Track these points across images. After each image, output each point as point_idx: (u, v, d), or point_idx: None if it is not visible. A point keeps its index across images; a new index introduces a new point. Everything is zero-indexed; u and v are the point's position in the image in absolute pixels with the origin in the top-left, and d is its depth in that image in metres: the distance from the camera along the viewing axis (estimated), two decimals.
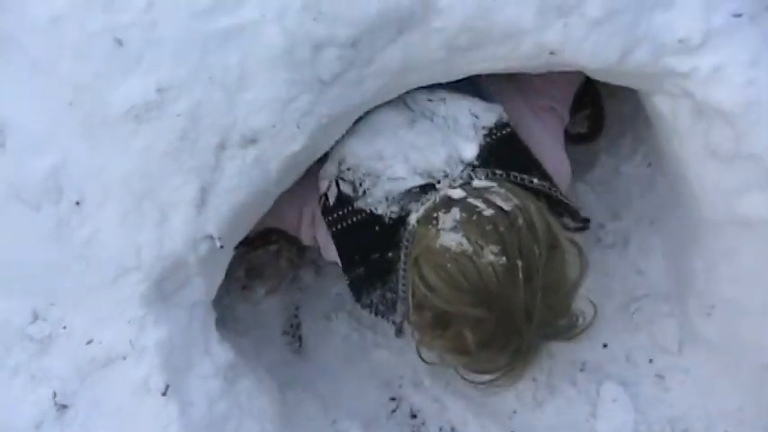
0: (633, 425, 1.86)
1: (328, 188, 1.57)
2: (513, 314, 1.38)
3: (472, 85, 1.66)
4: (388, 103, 1.55)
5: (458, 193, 1.43)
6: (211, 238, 1.53)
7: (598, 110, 2.17)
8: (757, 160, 1.52)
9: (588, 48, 1.53)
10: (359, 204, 1.53)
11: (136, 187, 1.49)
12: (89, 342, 1.54)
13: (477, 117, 1.56)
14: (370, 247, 1.52)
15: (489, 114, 1.57)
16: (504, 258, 1.35)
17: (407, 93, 1.57)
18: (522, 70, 1.60)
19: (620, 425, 1.87)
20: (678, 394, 1.86)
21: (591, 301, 1.56)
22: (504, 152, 1.53)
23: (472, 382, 1.55)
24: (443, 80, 1.61)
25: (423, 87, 1.59)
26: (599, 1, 1.51)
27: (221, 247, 1.53)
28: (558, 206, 1.54)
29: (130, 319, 1.52)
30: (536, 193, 1.49)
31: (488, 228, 1.36)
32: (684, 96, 1.58)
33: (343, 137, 1.57)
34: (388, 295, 1.52)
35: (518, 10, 1.50)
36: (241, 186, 1.53)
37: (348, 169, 1.55)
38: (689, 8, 1.53)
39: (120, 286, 1.54)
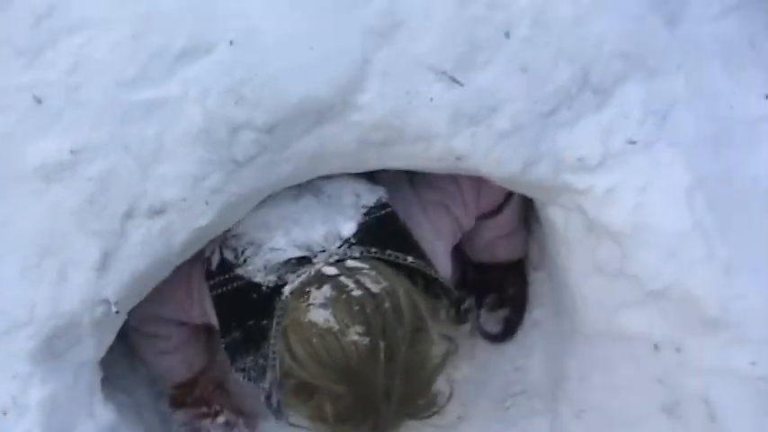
0: None
1: (212, 253, 1.64)
2: (373, 392, 1.42)
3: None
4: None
5: (331, 271, 1.49)
6: (108, 302, 1.55)
7: (518, 314, 2.20)
8: (639, 280, 1.63)
9: (493, 157, 1.64)
10: (239, 271, 1.59)
11: (39, 243, 1.52)
12: None
13: (358, 197, 1.64)
14: (247, 314, 1.57)
15: (370, 195, 1.64)
16: (367, 339, 1.40)
17: None
18: (431, 170, 1.69)
19: None
20: None
21: (448, 383, 1.60)
22: (381, 231, 1.59)
23: None
24: (354, 171, 1.69)
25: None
26: (508, 115, 1.62)
27: (117, 312, 1.56)
28: (435, 286, 1.60)
29: (15, 375, 1.53)
30: (411, 271, 1.55)
31: (356, 308, 1.41)
32: (578, 211, 1.70)
33: None
34: (260, 362, 1.56)
35: (431, 115, 1.59)
36: (144, 255, 1.56)
37: (233, 236, 1.62)
38: (589, 130, 1.65)
39: (10, 340, 1.54)
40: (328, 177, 1.66)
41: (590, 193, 1.68)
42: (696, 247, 1.62)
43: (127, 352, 2.00)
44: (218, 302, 1.63)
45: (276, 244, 1.57)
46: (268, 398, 1.59)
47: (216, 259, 1.64)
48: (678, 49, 1.77)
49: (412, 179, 1.85)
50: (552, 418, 1.98)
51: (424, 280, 1.58)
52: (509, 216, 1.96)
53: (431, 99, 1.59)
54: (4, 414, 1.52)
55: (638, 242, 1.65)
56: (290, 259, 1.54)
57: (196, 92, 1.51)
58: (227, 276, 1.60)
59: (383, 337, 1.43)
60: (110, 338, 1.67)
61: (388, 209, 1.63)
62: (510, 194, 1.88)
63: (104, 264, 1.55)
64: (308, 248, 1.55)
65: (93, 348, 1.64)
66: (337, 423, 1.48)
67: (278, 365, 1.51)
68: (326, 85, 1.55)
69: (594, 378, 1.80)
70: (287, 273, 1.54)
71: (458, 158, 1.63)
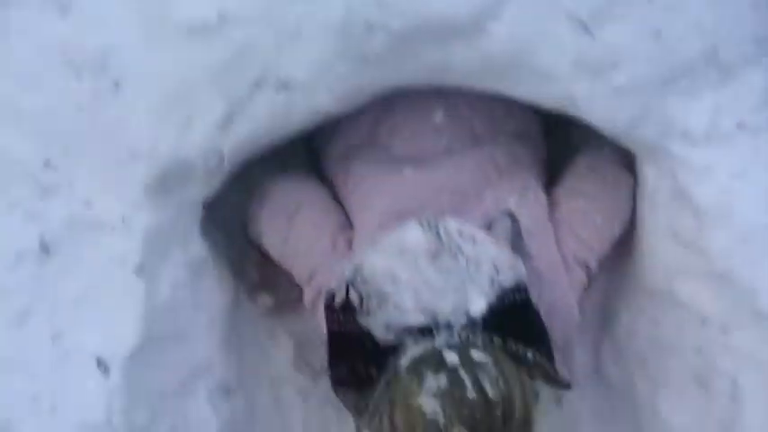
0: None
1: (339, 288, 1.62)
2: None
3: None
4: (422, 224, 1.62)
5: (452, 358, 1.47)
6: (222, 155, 1.79)
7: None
8: (707, 257, 1.80)
9: (605, 109, 1.78)
10: (360, 319, 1.58)
11: (172, 90, 1.71)
12: (87, 204, 1.80)
13: (497, 271, 1.59)
14: (359, 358, 1.60)
15: (510, 273, 1.60)
16: None
17: (442, 220, 1.65)
18: (543, 106, 1.87)
19: None
20: None
21: None
22: (510, 318, 1.57)
23: None
24: (475, 89, 1.86)
25: (456, 219, 1.69)
26: (628, 73, 1.73)
27: (228, 166, 1.81)
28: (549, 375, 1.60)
29: (129, 199, 1.78)
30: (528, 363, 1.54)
31: (465, 412, 1.41)
32: (671, 177, 1.83)
33: (368, 248, 1.67)
34: (360, 403, 1.60)
35: (556, 57, 1.72)
36: (263, 122, 1.76)
37: (362, 279, 1.58)
38: (704, 105, 1.77)
39: (131, 168, 1.77)
40: (471, 237, 1.64)
41: (687, 164, 1.80)
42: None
43: (235, 202, 2.24)
44: (332, 337, 1.65)
45: (402, 303, 1.55)
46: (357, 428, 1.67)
47: (341, 296, 1.62)
48: None
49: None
50: (592, 357, 2.22)
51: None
52: None
53: (559, 40, 1.70)
54: (113, 229, 1.79)
55: (717, 222, 1.77)
56: (413, 326, 1.54)
57: None
58: (348, 318, 1.60)
59: None
60: (215, 186, 1.90)
61: (524, 295, 1.60)
62: None
63: (227, 122, 1.74)
64: (433, 317, 1.53)
65: (199, 191, 1.88)
66: None
67: (375, 420, 1.55)
68: (465, 7, 1.66)
69: (641, 332, 2.01)
70: (407, 337, 1.54)
71: (573, 102, 1.77)
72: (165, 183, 1.79)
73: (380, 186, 1.91)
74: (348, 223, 1.92)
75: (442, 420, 1.41)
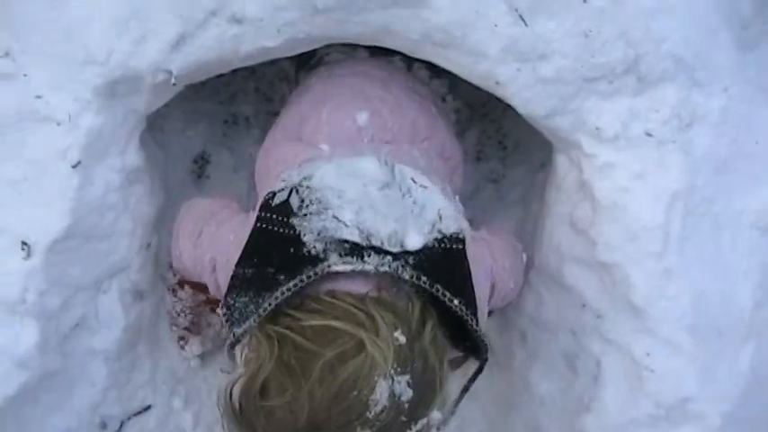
0: None
1: (281, 190, 1.67)
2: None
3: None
4: (379, 159, 1.71)
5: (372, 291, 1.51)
6: (170, 73, 1.98)
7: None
8: (595, 247, 2.02)
9: (526, 95, 1.97)
10: (293, 221, 1.60)
11: (134, 5, 1.89)
12: (38, 96, 1.96)
13: (440, 218, 1.65)
14: (272, 261, 1.57)
15: (452, 223, 1.66)
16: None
17: (399, 161, 1.74)
18: (471, 82, 2.08)
19: None
20: None
21: None
22: (442, 264, 1.60)
23: None
24: (410, 54, 2.05)
25: (412, 166, 1.78)
26: (554, 66, 1.93)
27: (174, 84, 2.00)
28: (466, 336, 1.62)
29: (77, 99, 1.95)
30: (450, 314, 1.56)
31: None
32: (577, 168, 2.05)
33: (325, 160, 1.77)
34: (250, 308, 1.54)
35: (489, 38, 1.90)
36: (212, 49, 1.94)
37: (308, 187, 1.63)
38: (618, 109, 1.98)
39: (83, 71, 1.94)
40: (423, 186, 1.71)
41: (593, 159, 2.01)
42: (653, 244, 1.95)
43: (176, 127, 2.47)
44: (256, 234, 1.64)
45: (342, 215, 1.58)
46: (232, 345, 1.60)
47: (281, 197, 1.66)
48: (735, 73, 2.05)
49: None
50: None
51: (457, 322, 1.58)
52: None
53: (495, 25, 1.88)
54: (58, 125, 1.97)
55: (610, 216, 1.98)
56: (346, 240, 1.54)
57: None
58: (280, 219, 1.62)
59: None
60: (160, 102, 2.09)
61: (461, 246, 1.65)
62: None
63: (178, 43, 1.92)
64: (368, 237, 1.55)
65: (145, 103, 2.06)
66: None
67: (256, 338, 1.53)
68: None
69: (527, 308, 2.24)
70: (334, 251, 1.53)
71: (497, 83, 1.96)
72: (114, 89, 1.97)
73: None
74: None
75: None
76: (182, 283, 2.35)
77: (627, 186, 1.98)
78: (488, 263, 1.91)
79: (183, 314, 2.38)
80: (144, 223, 2.19)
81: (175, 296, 2.37)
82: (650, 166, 1.98)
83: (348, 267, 1.50)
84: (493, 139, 2.83)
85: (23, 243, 1.94)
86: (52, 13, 1.93)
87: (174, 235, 2.10)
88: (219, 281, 1.80)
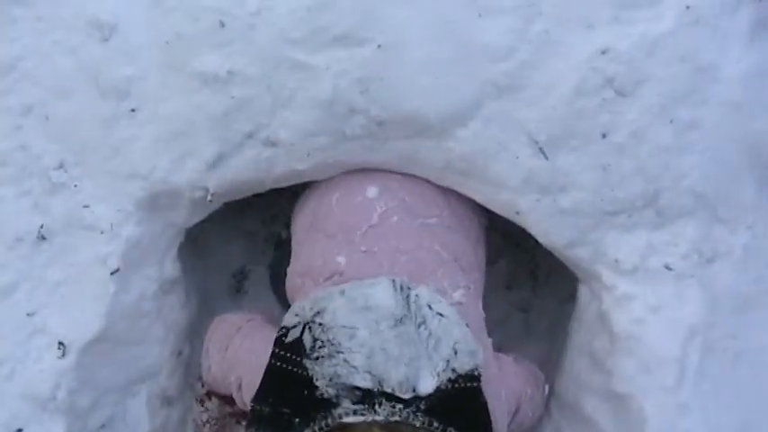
0: None
1: (293, 326, 1.67)
2: None
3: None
4: (394, 285, 1.67)
5: None
6: (207, 190, 2.12)
7: None
8: (610, 378, 2.04)
9: (546, 226, 2.04)
10: (306, 363, 1.58)
11: (177, 126, 2.04)
12: (85, 206, 2.13)
13: (455, 354, 1.61)
14: (287, 402, 1.59)
15: (467, 359, 1.62)
16: None
17: (415, 287, 1.71)
18: (492, 209, 2.17)
19: None
20: None
21: None
22: (456, 405, 1.58)
23: None
24: (435, 182, 2.15)
25: (432, 290, 1.75)
26: (573, 198, 2.00)
27: (210, 200, 2.15)
28: None
29: (121, 210, 2.11)
30: None
31: None
32: (597, 299, 2.11)
33: (336, 289, 1.72)
34: None
35: (510, 169, 2.00)
36: (247, 169, 2.07)
37: (320, 324, 1.62)
38: (637, 242, 2.04)
39: (129, 184, 2.10)
40: (439, 314, 1.67)
41: (612, 291, 2.05)
42: (668, 377, 1.96)
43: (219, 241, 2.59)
44: (271, 372, 1.64)
45: (353, 360, 1.55)
46: None
47: (294, 335, 1.65)
48: (759, 211, 2.08)
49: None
50: None
51: None
52: None
53: (516, 157, 1.98)
54: (101, 233, 2.13)
55: (626, 348, 2.01)
56: (356, 387, 1.53)
57: (336, 70, 1.95)
58: (294, 358, 1.61)
59: None
60: (198, 216, 2.23)
61: (476, 384, 1.60)
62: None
63: (216, 163, 2.06)
64: (379, 383, 1.53)
65: (183, 217, 2.21)
66: None
67: None
68: (436, 111, 1.96)
69: None
70: (346, 397, 1.53)
71: (517, 213, 2.04)
72: (155, 202, 2.11)
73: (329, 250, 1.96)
74: None
75: None
76: (209, 394, 2.38)
77: (643, 318, 2.00)
78: (513, 387, 1.92)
79: (209, 424, 2.42)
80: (176, 331, 2.29)
81: (203, 406, 2.42)
82: (668, 299, 2.00)
83: (359, 419, 1.51)
84: (525, 268, 2.86)
85: (60, 343, 2.05)
86: (104, 131, 2.09)
87: (204, 348, 2.12)
88: (245, 399, 1.81)
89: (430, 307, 1.67)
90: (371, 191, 2.02)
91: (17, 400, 2.01)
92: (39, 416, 2.02)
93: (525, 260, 2.87)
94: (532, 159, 1.99)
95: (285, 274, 2.10)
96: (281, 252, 2.39)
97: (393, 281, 1.67)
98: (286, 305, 1.99)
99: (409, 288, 1.69)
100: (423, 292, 1.69)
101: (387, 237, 1.91)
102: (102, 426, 2.12)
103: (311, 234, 2.04)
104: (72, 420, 2.04)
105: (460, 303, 1.83)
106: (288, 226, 2.49)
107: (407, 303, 1.65)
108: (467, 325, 1.72)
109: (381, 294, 1.66)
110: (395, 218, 1.95)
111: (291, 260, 2.08)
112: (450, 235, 2.01)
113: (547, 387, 2.16)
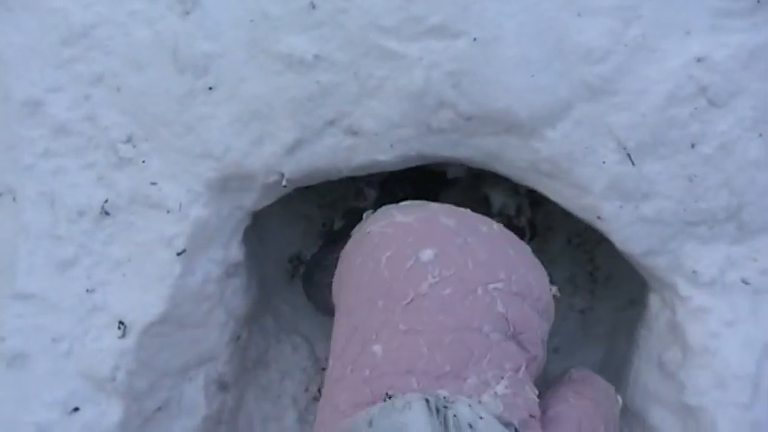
0: None
1: None
2: None
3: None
4: (429, 406, 1.51)
5: None
6: (282, 175, 2.09)
7: None
8: (683, 390, 2.04)
9: (626, 233, 2.04)
10: None
11: (257, 108, 2.01)
12: (153, 184, 2.09)
13: None
14: None
15: None
16: None
17: (452, 404, 1.56)
18: (573, 213, 2.16)
19: None
20: None
21: None
22: None
23: None
24: (516, 181, 2.14)
25: (473, 387, 1.64)
26: (656, 206, 1.99)
27: (284, 186, 2.11)
28: None
29: (190, 190, 2.08)
30: None
31: None
32: (670, 309, 2.11)
33: (364, 419, 1.58)
34: None
35: (596, 173, 1.99)
36: (325, 157, 2.04)
37: None
38: (717, 254, 2.03)
39: (199, 163, 2.06)
40: (481, 416, 1.53)
41: (687, 302, 2.04)
42: (742, 394, 1.95)
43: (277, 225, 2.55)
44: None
45: None
46: None
47: None
48: None
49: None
50: None
51: None
52: None
53: (603, 162, 1.97)
54: (167, 212, 2.09)
55: (699, 361, 2.01)
56: None
57: (429, 62, 1.93)
58: None
59: None
60: (267, 201, 2.20)
61: None
62: None
63: (294, 148, 2.03)
64: None
65: (253, 200, 2.17)
66: None
67: None
68: (527, 110, 1.94)
69: None
70: None
71: (599, 218, 2.03)
72: (226, 184, 2.08)
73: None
74: None
75: None
76: None
77: (719, 332, 1.99)
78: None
79: None
80: (236, 316, 2.26)
81: None
82: (744, 314, 2.00)
83: None
84: (584, 269, 2.85)
85: (120, 323, 2.02)
86: (178, 107, 2.05)
87: None
88: None
89: (470, 426, 1.50)
90: (426, 254, 1.82)
91: (75, 379, 1.98)
92: (96, 396, 2.00)
93: (584, 261, 2.83)
94: (619, 165, 1.97)
95: (323, 279, 2.08)
96: (322, 251, 2.42)
97: (427, 400, 1.50)
98: (320, 309, 2.08)
99: (446, 407, 1.52)
100: (462, 410, 1.52)
101: (433, 311, 1.73)
102: (159, 409, 2.09)
103: (354, 293, 1.88)
104: (129, 402, 2.01)
105: (504, 395, 1.66)
106: (344, 215, 2.44)
107: (446, 428, 1.48)
108: (515, 428, 1.61)
109: (416, 421, 1.47)
110: (447, 290, 1.76)
111: (335, 323, 1.94)
112: (516, 304, 1.82)
113: (620, 399, 2.11)
